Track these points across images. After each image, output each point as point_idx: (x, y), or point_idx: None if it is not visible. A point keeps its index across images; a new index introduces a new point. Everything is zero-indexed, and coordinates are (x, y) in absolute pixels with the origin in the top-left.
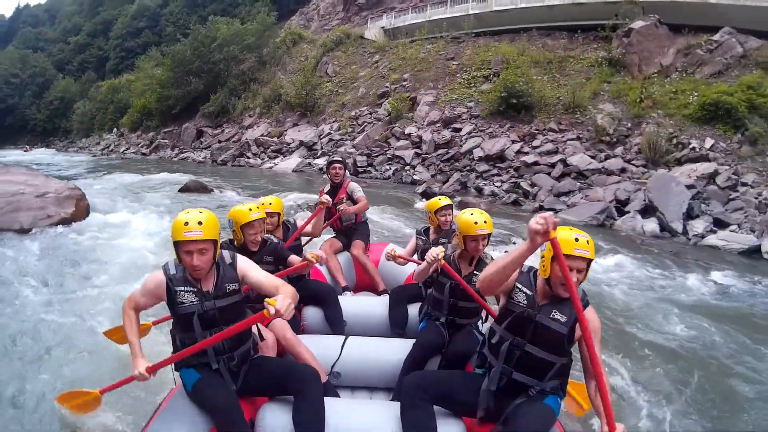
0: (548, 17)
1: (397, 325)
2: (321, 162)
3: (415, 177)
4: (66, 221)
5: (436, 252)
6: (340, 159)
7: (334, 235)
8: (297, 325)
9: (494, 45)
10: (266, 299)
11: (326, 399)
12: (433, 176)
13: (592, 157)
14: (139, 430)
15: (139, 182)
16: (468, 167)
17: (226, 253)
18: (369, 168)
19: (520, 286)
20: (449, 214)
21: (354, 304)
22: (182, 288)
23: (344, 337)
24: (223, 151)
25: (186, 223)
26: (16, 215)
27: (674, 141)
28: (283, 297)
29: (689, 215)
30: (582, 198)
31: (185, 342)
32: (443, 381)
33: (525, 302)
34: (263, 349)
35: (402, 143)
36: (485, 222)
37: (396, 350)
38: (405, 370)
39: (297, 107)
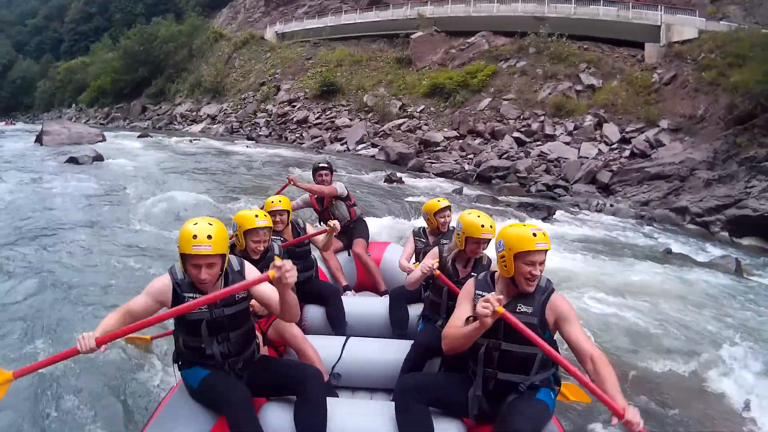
0: (374, 28)
1: (397, 326)
2: (215, 127)
3: (260, 133)
4: (99, 142)
5: (430, 263)
6: (327, 165)
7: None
8: (299, 323)
9: (340, 48)
10: (275, 260)
11: (327, 399)
12: (270, 133)
13: (350, 120)
14: (139, 429)
15: (119, 134)
16: (288, 128)
17: (233, 260)
18: (239, 129)
19: (480, 292)
20: (448, 216)
21: (355, 305)
22: (190, 294)
23: (345, 338)
24: (160, 121)
25: (194, 236)
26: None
27: (404, 109)
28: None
29: (361, 142)
30: (327, 140)
31: (189, 344)
32: (436, 383)
33: None
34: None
35: (262, 114)
36: (491, 227)
37: (396, 351)
38: (404, 371)
39: (211, 91)
